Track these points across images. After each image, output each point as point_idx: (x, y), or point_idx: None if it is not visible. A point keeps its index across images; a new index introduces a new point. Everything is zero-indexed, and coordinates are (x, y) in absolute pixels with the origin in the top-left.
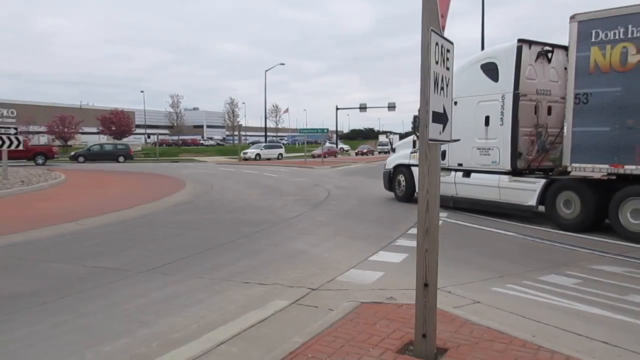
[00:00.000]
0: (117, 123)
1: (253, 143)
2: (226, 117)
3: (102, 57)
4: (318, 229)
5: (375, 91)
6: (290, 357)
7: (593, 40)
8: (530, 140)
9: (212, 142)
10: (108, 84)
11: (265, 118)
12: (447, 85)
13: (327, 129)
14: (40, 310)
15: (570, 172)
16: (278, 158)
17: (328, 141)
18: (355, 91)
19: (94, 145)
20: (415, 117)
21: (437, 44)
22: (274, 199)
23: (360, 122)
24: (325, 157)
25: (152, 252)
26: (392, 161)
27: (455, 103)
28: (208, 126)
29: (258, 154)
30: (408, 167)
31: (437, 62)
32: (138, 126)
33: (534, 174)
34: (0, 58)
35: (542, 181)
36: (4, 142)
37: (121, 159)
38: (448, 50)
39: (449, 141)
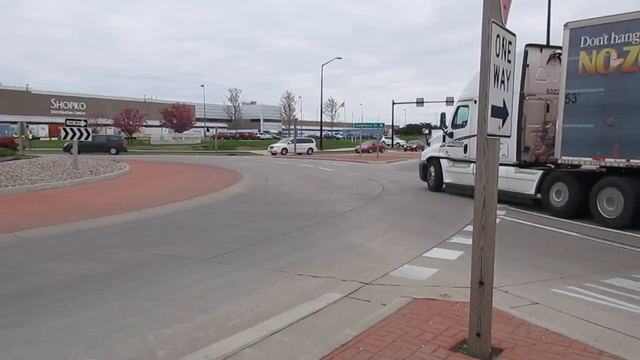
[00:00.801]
0: (179, 116)
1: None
2: (282, 111)
3: (166, 53)
4: (372, 223)
5: (432, 85)
6: (342, 349)
7: (582, 45)
8: (539, 136)
9: (268, 136)
10: (170, 78)
11: (322, 112)
12: (507, 79)
13: (383, 124)
14: (105, 293)
15: (560, 164)
16: (308, 153)
17: (384, 136)
18: (412, 85)
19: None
20: (442, 114)
21: (498, 35)
22: (329, 192)
23: (417, 116)
24: (369, 152)
25: (211, 242)
26: (425, 154)
27: (475, 102)
28: (265, 120)
29: (285, 149)
30: (437, 159)
31: (497, 55)
32: (198, 119)
33: (542, 166)
34: (72, 54)
35: (540, 173)
36: (74, 134)
37: (113, 150)
38: (510, 43)
39: (507, 136)
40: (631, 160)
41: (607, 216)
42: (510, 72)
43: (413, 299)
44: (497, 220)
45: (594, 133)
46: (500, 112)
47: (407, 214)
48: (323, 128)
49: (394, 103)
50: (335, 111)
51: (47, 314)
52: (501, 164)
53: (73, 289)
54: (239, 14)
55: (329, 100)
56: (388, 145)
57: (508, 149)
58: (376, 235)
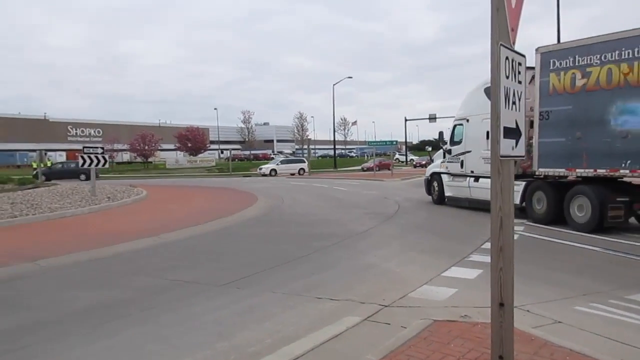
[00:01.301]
0: (193, 140)
1: (322, 156)
2: (295, 131)
3: (179, 77)
4: (389, 243)
5: (445, 100)
6: None
7: (551, 68)
8: (525, 150)
9: (282, 156)
10: (184, 101)
11: (334, 131)
12: (519, 99)
13: (396, 141)
14: (125, 321)
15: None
16: (299, 174)
17: (397, 152)
18: (425, 100)
19: (57, 163)
20: (440, 132)
21: (507, 58)
22: (344, 212)
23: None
24: (376, 170)
25: (228, 266)
26: (429, 170)
27: (467, 121)
28: (278, 140)
29: (274, 170)
30: (439, 175)
31: (507, 77)
32: (212, 142)
33: (530, 177)
34: (88, 80)
35: (523, 184)
36: (92, 161)
37: (82, 176)
38: (519, 64)
39: (522, 157)
40: (597, 170)
41: (577, 221)
42: (521, 92)
43: (433, 321)
44: (515, 237)
45: (565, 146)
46: (513, 133)
47: (424, 233)
48: (336, 147)
49: (406, 120)
50: (348, 130)
51: (67, 343)
52: (486, 177)
53: (93, 317)
54: (249, 35)
55: (342, 118)
56: (402, 162)
57: None
58: (393, 255)
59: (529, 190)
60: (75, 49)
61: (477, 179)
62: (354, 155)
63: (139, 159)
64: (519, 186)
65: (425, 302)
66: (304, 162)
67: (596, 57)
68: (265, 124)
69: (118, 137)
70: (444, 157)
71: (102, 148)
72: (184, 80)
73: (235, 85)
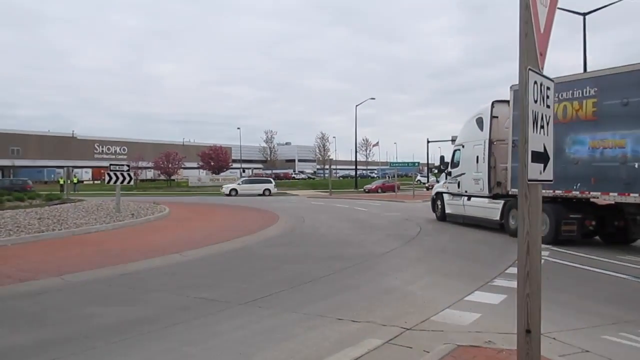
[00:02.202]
0: (216, 158)
1: (343, 177)
2: (317, 151)
3: (204, 97)
4: (411, 265)
5: None
6: None
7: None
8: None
9: (303, 176)
10: (208, 121)
11: (356, 152)
12: (547, 124)
13: (418, 162)
14: (149, 338)
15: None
16: (264, 194)
17: (419, 174)
18: (448, 122)
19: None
20: (441, 156)
21: (535, 82)
22: (366, 233)
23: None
24: (377, 191)
25: (249, 285)
26: (434, 189)
27: (463, 146)
28: (299, 160)
29: (234, 189)
30: (442, 194)
31: (536, 101)
32: (234, 161)
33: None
34: (115, 100)
35: (502, 202)
36: (117, 178)
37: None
38: (548, 88)
39: (550, 181)
40: (555, 191)
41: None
42: (549, 117)
43: (456, 346)
44: (541, 262)
45: None
46: (541, 157)
47: (447, 256)
48: (358, 167)
49: (428, 141)
50: (370, 150)
51: (93, 359)
52: (481, 197)
53: (118, 333)
54: (275, 57)
55: (363, 139)
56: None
57: (483, 184)
58: (415, 278)
59: (506, 208)
60: (104, 70)
61: (469, 197)
62: (376, 175)
63: (162, 177)
64: (499, 204)
65: (448, 327)
66: (271, 182)
67: (555, 95)
68: (287, 143)
69: (143, 155)
70: (446, 178)
71: (128, 165)
72: (209, 100)
73: (259, 106)
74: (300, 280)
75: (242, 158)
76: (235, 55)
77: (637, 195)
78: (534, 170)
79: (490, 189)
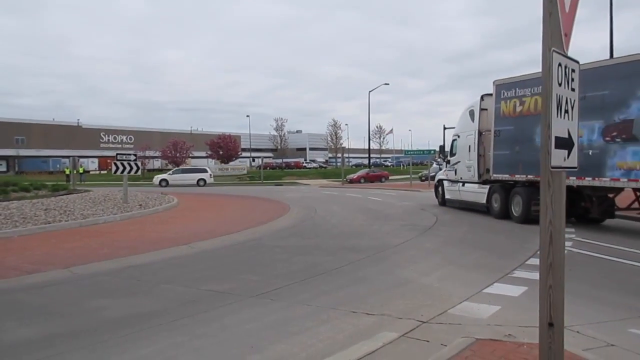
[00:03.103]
0: (225, 147)
1: (356, 165)
2: (329, 139)
3: (212, 85)
4: (427, 256)
5: None
6: None
7: (502, 97)
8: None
9: (314, 165)
10: (216, 109)
11: (369, 140)
12: (572, 108)
13: (435, 150)
14: (158, 331)
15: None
16: (199, 185)
17: (435, 162)
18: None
19: None
20: (440, 146)
21: (560, 64)
22: (380, 223)
23: None
24: (359, 182)
25: (261, 277)
26: (437, 177)
27: (459, 136)
28: (311, 148)
29: (164, 180)
30: (442, 181)
31: (560, 84)
32: (244, 149)
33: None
34: (121, 88)
35: (488, 187)
36: (124, 168)
37: None
38: (573, 70)
39: (574, 168)
40: (528, 176)
41: (515, 215)
42: (574, 100)
43: (475, 340)
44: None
45: (510, 157)
46: (565, 143)
47: (464, 246)
48: (371, 155)
49: (445, 128)
50: (384, 138)
51: (102, 353)
52: (473, 183)
53: (127, 326)
54: (284, 43)
55: (377, 127)
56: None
57: (474, 171)
58: (432, 270)
59: (490, 192)
60: (108, 58)
61: (464, 184)
62: (390, 164)
63: (170, 166)
64: (485, 189)
65: (466, 320)
66: (206, 171)
67: (529, 89)
68: (298, 131)
69: (150, 144)
70: (446, 166)
71: (135, 155)
72: (217, 88)
73: (268, 94)
74: (312, 272)
75: (252, 147)
76: (243, 41)
77: (590, 179)
78: (558, 156)
79: (479, 176)
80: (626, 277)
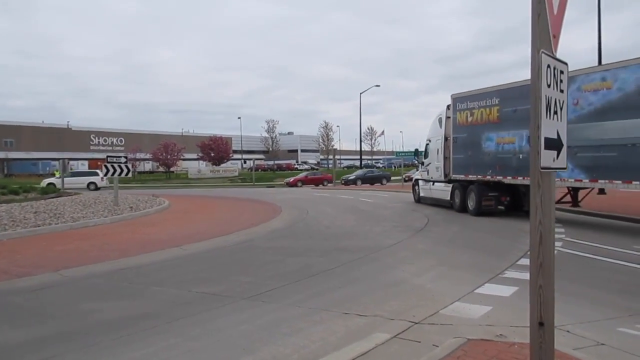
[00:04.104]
0: (216, 149)
1: (347, 167)
2: (320, 141)
3: (202, 86)
4: (419, 257)
5: None
6: None
7: (457, 108)
8: None
9: (306, 167)
10: (207, 111)
11: (361, 141)
12: (560, 109)
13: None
14: (151, 333)
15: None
16: (89, 188)
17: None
18: None
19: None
20: (416, 149)
21: (549, 66)
22: (371, 224)
23: None
24: (296, 185)
25: (253, 279)
26: (414, 177)
27: (430, 141)
28: (302, 150)
29: (51, 184)
30: (418, 180)
31: (549, 85)
32: (235, 151)
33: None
34: (111, 89)
35: (451, 185)
36: (115, 171)
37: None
38: (562, 72)
39: (563, 168)
40: (478, 176)
41: (470, 208)
42: (563, 101)
43: (467, 340)
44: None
45: (464, 161)
46: (554, 144)
47: (456, 247)
48: (363, 157)
49: None
50: (375, 140)
51: (94, 355)
52: (439, 182)
53: (119, 329)
54: (276, 42)
55: (368, 128)
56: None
57: (441, 171)
58: (424, 270)
59: (452, 189)
60: (98, 58)
61: (434, 183)
62: (381, 165)
63: (161, 169)
64: (449, 187)
65: (457, 320)
66: (97, 174)
67: (477, 103)
68: (289, 133)
69: (140, 146)
70: (420, 167)
71: (126, 157)
72: (208, 89)
73: (260, 94)
74: (305, 273)
75: (243, 149)
76: (233, 41)
77: (521, 178)
78: (547, 157)
79: (445, 175)
80: (615, 276)
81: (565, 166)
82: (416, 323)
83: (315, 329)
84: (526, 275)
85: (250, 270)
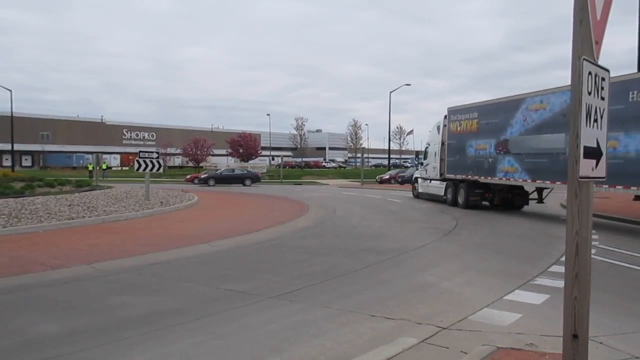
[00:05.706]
0: (245, 146)
1: (375, 166)
2: (349, 139)
3: (233, 83)
4: (447, 261)
5: None
6: None
7: (451, 119)
8: None
9: (333, 165)
10: (237, 107)
11: (389, 140)
12: (601, 117)
13: None
14: (179, 329)
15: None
16: None
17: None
18: None
19: None
20: (416, 152)
21: (590, 73)
22: (399, 225)
23: None
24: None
25: (280, 278)
26: (414, 175)
27: (429, 145)
28: (330, 148)
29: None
30: (417, 178)
31: (590, 93)
32: (263, 148)
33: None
34: (143, 85)
35: (445, 183)
36: (147, 165)
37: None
38: (603, 79)
39: (602, 178)
40: (465, 176)
41: (460, 202)
42: (604, 110)
43: (496, 348)
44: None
45: (455, 163)
46: (594, 153)
47: (485, 251)
48: (391, 156)
49: None
50: (404, 139)
51: (124, 350)
52: (435, 180)
53: (148, 324)
54: (305, 41)
55: (397, 127)
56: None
57: (437, 171)
58: (452, 274)
59: (446, 187)
60: (131, 54)
61: (431, 181)
62: (409, 165)
63: (190, 164)
64: (444, 184)
65: (486, 327)
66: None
67: (464, 115)
68: (317, 131)
69: (171, 142)
70: (420, 167)
71: (157, 152)
72: (238, 86)
73: (289, 92)
74: (332, 273)
75: (272, 145)
76: (263, 39)
77: (490, 177)
78: (586, 166)
79: (440, 174)
80: None
81: (604, 175)
82: (444, 328)
83: (342, 330)
84: (558, 283)
85: (277, 268)
